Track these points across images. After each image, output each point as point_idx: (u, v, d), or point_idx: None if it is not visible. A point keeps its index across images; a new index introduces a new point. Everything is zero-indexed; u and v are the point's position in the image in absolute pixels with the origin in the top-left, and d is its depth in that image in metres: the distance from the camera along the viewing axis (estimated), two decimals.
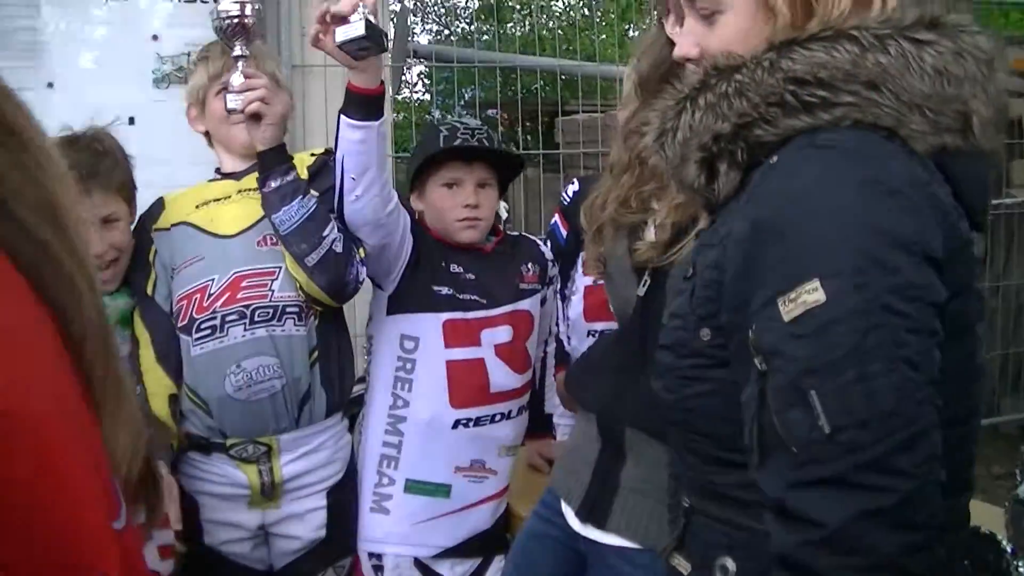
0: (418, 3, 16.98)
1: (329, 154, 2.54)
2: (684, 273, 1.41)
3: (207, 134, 2.61)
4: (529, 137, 9.06)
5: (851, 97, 1.21)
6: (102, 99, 3.64)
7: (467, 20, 17.84)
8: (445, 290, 2.61)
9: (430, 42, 15.82)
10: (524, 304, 2.70)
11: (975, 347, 1.27)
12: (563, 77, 6.24)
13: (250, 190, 2.50)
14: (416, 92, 13.84)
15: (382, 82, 2.38)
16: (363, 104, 2.32)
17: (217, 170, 2.63)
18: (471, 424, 2.62)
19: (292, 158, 2.46)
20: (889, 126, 1.21)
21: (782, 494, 1.13)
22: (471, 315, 2.62)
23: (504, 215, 2.90)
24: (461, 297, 2.62)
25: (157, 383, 2.43)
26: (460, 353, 2.60)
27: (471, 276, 2.65)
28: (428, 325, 2.60)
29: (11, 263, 0.79)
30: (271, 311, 2.43)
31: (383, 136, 2.39)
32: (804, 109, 1.22)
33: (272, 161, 2.40)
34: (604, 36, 13.71)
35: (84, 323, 0.83)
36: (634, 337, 2.00)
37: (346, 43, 2.22)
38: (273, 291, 2.44)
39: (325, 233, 2.38)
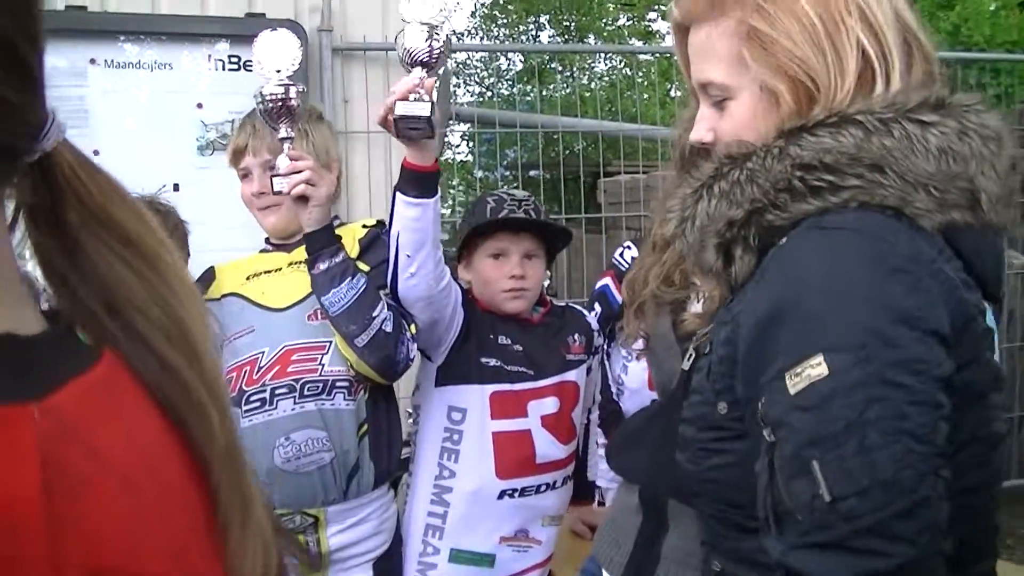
0: (461, 65, 17.22)
1: (381, 227, 2.56)
2: (703, 350, 1.46)
3: None
4: (572, 198, 9.10)
5: (856, 180, 1.25)
6: (147, 166, 3.73)
7: (509, 82, 18.10)
8: (493, 361, 2.63)
9: (472, 104, 16.03)
10: (570, 375, 2.71)
11: (991, 415, 1.28)
12: (605, 138, 6.27)
13: (300, 263, 2.51)
14: (459, 153, 14.00)
15: (437, 159, 2.39)
16: (418, 182, 2.33)
17: (267, 240, 2.65)
18: (516, 495, 2.61)
19: (340, 238, 2.46)
20: (895, 205, 1.25)
21: (785, 556, 1.17)
22: (518, 387, 2.62)
23: (546, 282, 2.91)
24: (509, 369, 2.63)
25: None
26: (506, 425, 2.61)
27: (518, 348, 2.67)
28: (475, 397, 2.61)
29: (136, 381, 0.74)
30: (321, 385, 2.42)
31: (438, 213, 2.40)
32: (812, 193, 1.27)
33: (320, 243, 2.41)
34: (646, 96, 13.84)
35: (213, 448, 0.78)
36: (678, 409, 2.00)
37: (405, 118, 2.25)
38: (323, 365, 2.44)
39: (375, 313, 2.38)
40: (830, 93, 1.33)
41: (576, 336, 2.75)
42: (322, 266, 2.39)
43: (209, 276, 2.63)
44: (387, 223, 2.47)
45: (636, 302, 2.14)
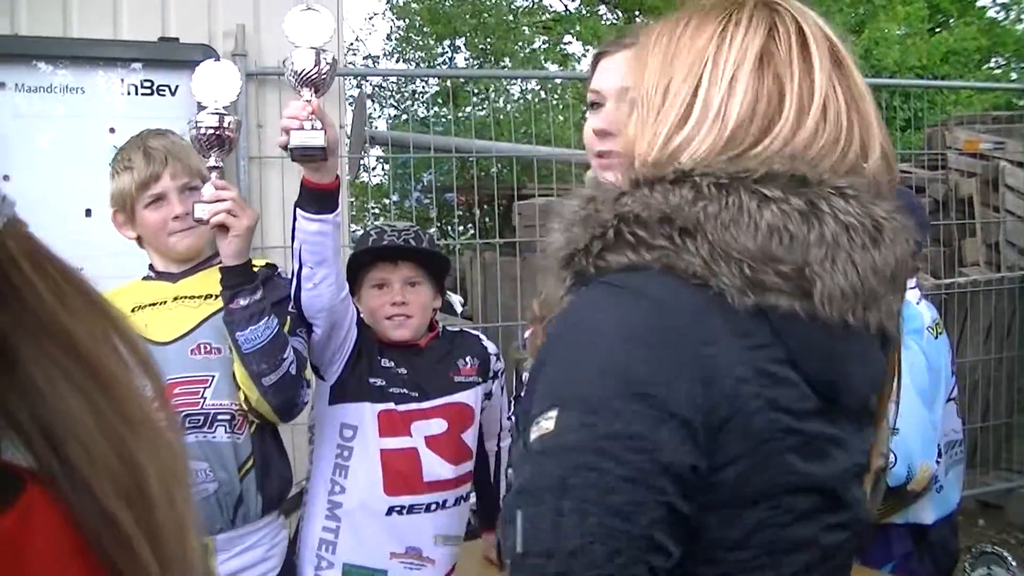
0: (376, 88, 17.27)
1: (271, 267, 2.63)
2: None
3: (138, 238, 2.65)
4: (487, 221, 9.18)
5: (665, 241, 1.20)
6: (59, 191, 3.75)
7: (425, 104, 18.17)
8: (379, 382, 2.71)
9: (389, 125, 16.06)
10: (460, 397, 2.79)
11: (791, 519, 1.20)
12: (520, 161, 6.38)
13: (185, 298, 2.55)
14: (375, 176, 14.02)
15: (337, 176, 2.46)
16: (317, 199, 2.41)
17: (151, 267, 2.66)
18: (405, 511, 2.69)
19: (258, 275, 2.48)
20: (699, 275, 1.19)
21: None
22: (401, 407, 2.71)
23: (459, 308, 3.00)
24: (392, 390, 2.71)
25: None
26: (394, 442, 2.69)
27: (403, 371, 2.75)
28: (365, 414, 2.69)
29: (67, 525, 0.63)
30: (202, 418, 2.46)
31: (338, 228, 2.47)
32: (626, 247, 1.22)
33: (239, 278, 2.42)
34: (562, 119, 13.97)
35: None
36: None
37: (299, 148, 2.34)
38: (205, 399, 2.47)
39: (284, 355, 2.42)
40: (641, 143, 1.32)
41: (468, 359, 2.83)
42: (242, 302, 2.40)
43: None
44: (294, 302, 2.53)
45: (549, 316, 2.20)
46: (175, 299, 2.55)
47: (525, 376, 2.68)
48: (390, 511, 2.67)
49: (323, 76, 2.39)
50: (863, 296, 1.20)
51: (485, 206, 7.34)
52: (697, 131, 1.28)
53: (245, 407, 2.48)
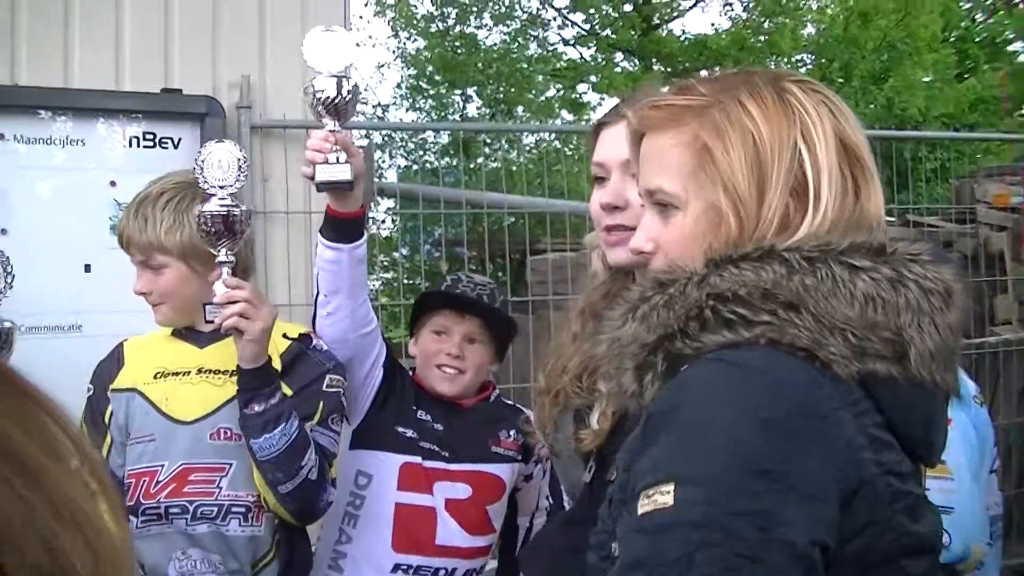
0: (386, 137, 17.36)
1: (304, 340, 2.58)
2: (610, 476, 1.49)
3: None
4: (500, 275, 9.18)
5: (768, 316, 1.27)
6: (58, 245, 3.76)
7: (436, 155, 18.26)
8: (409, 432, 2.70)
9: (399, 176, 16.12)
10: (493, 468, 2.77)
11: None
12: (533, 214, 6.39)
13: (210, 372, 2.52)
14: (384, 229, 14.06)
15: (363, 206, 2.50)
16: (338, 227, 2.46)
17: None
18: (411, 572, 2.66)
19: (278, 376, 2.44)
20: (806, 347, 1.26)
21: None
22: (428, 463, 2.69)
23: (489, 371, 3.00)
24: (422, 444, 2.70)
25: None
26: (411, 498, 2.67)
27: (438, 427, 2.74)
28: (385, 464, 2.69)
29: None
30: (216, 510, 2.44)
31: (357, 260, 2.50)
32: (725, 325, 1.28)
33: (255, 382, 2.38)
34: (576, 170, 13.99)
35: None
36: (582, 522, 2.07)
37: (326, 183, 2.38)
38: (221, 488, 2.45)
39: (303, 462, 2.38)
40: (752, 223, 1.38)
41: (511, 432, 2.81)
42: (257, 408, 2.36)
43: (117, 357, 2.64)
44: (311, 326, 2.55)
45: (553, 390, 2.18)
46: (199, 371, 2.53)
47: (542, 452, 2.70)
48: (395, 568, 2.65)
49: (346, 103, 2.42)
50: (946, 357, 1.30)
51: (498, 260, 7.35)
52: (800, 221, 1.37)
53: (264, 503, 2.45)
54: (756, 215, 1.38)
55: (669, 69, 19.93)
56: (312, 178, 2.38)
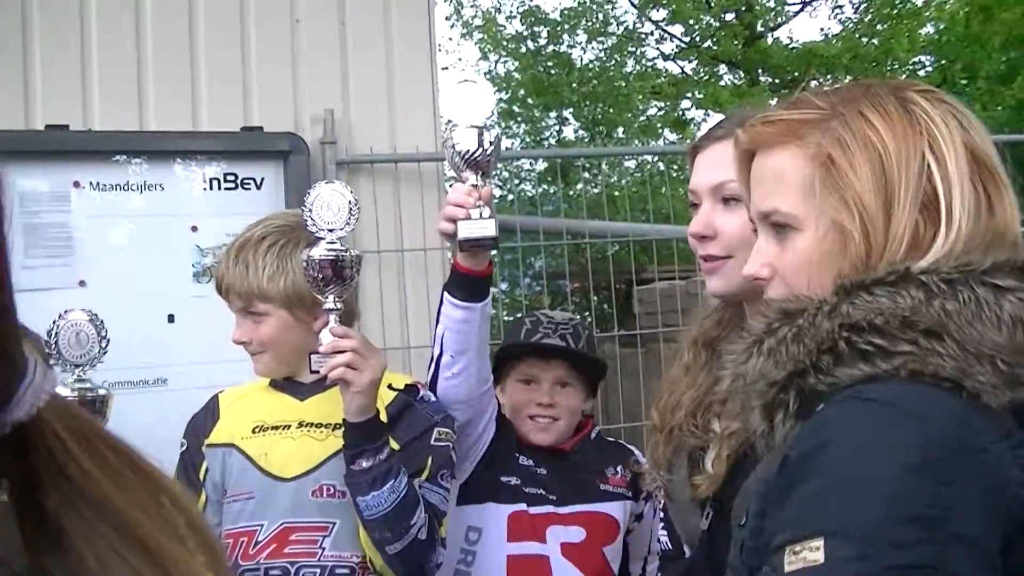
0: None
1: (411, 391, 2.58)
2: (738, 521, 1.47)
3: None
4: (606, 307, 9.13)
5: (909, 346, 1.25)
6: (139, 296, 3.77)
7: (532, 182, 18.31)
8: (513, 480, 2.75)
9: (494, 208, 16.19)
10: (605, 507, 2.80)
11: None
12: (638, 241, 6.32)
13: (312, 425, 2.52)
14: None
15: (491, 263, 2.51)
16: (468, 285, 2.46)
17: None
18: None
19: (386, 429, 2.43)
20: (952, 378, 1.23)
21: None
22: (535, 510, 2.72)
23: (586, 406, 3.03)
24: (527, 490, 2.75)
25: None
26: (523, 548, 2.70)
27: (542, 471, 2.78)
28: (492, 516, 2.72)
29: None
30: (318, 571, 2.43)
31: (486, 317, 2.53)
32: (861, 357, 1.27)
33: (362, 437, 2.37)
34: (683, 192, 13.89)
35: None
36: (704, 572, 2.08)
37: (470, 240, 2.37)
38: (324, 548, 2.45)
39: (412, 521, 2.37)
40: (880, 244, 1.37)
41: (618, 469, 2.85)
42: (364, 464, 2.35)
43: (213, 410, 2.66)
44: (429, 387, 2.55)
45: (667, 427, 2.18)
46: (300, 425, 2.54)
47: (652, 488, 2.63)
48: None
49: (488, 157, 2.42)
50: None
51: (602, 291, 7.27)
52: (932, 240, 1.35)
53: (370, 564, 2.44)
54: (884, 235, 1.37)
55: (776, 80, 19.71)
56: (451, 235, 2.39)
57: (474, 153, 2.39)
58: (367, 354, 2.37)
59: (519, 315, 3.31)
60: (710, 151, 2.08)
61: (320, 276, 2.36)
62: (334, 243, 2.37)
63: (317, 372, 2.38)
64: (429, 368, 2.58)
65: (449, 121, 2.47)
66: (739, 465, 1.93)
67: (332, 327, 2.38)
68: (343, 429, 2.39)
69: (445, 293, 2.50)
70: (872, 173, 1.39)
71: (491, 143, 2.41)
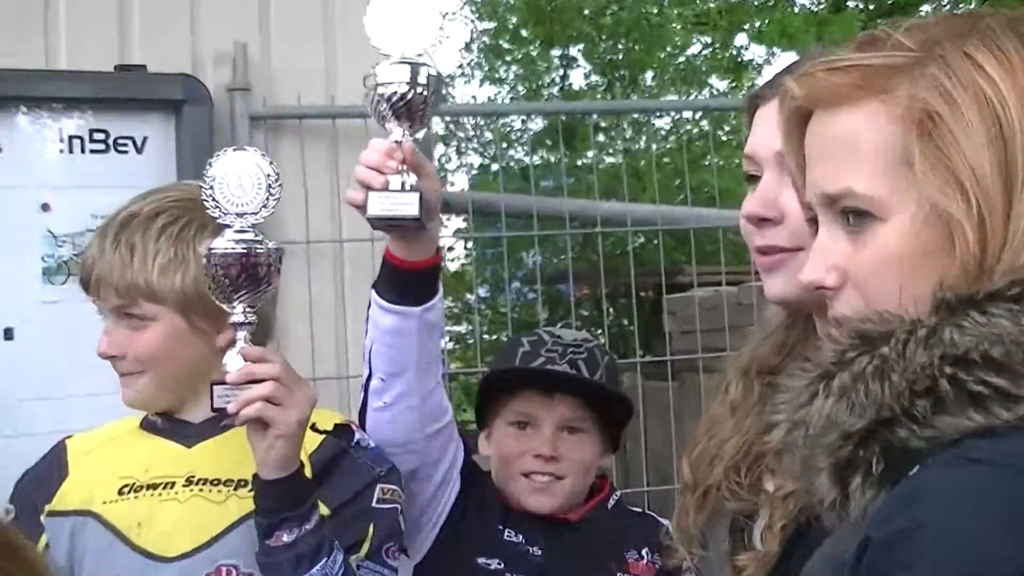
0: (451, 125, 17.46)
1: (343, 434, 2.58)
2: None
3: None
4: (625, 322, 9.11)
5: None
6: None
7: (525, 147, 18.28)
8: (495, 564, 2.73)
9: (471, 181, 16.18)
10: None
11: None
12: (671, 232, 6.33)
13: (206, 482, 2.51)
14: (453, 260, 14.05)
15: (438, 251, 2.53)
16: (403, 282, 2.47)
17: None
18: None
19: (314, 488, 2.43)
20: None
21: None
22: None
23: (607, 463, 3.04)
24: None
25: None
26: None
27: (536, 551, 2.76)
28: None
29: None
30: None
31: (430, 326, 2.52)
32: (972, 403, 1.26)
33: (283, 500, 2.37)
34: (735, 163, 13.79)
35: None
36: None
37: (381, 219, 2.38)
38: None
39: None
40: (998, 240, 1.36)
41: (643, 553, 2.82)
42: (286, 537, 2.35)
43: (58, 462, 2.63)
44: (359, 421, 2.57)
45: (702, 486, 2.19)
46: (189, 482, 2.52)
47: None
48: None
49: (424, 102, 2.42)
50: None
51: (620, 301, 7.28)
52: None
53: None
54: (1004, 227, 1.36)
55: (872, 6, 19.74)
56: (362, 208, 2.38)
57: (404, 96, 2.38)
58: (292, 385, 2.35)
59: (516, 333, 3.31)
60: (776, 105, 2.08)
61: (225, 277, 2.34)
62: (245, 231, 2.36)
63: (222, 410, 2.35)
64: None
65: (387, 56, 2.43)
66: (797, 540, 1.92)
67: (243, 348, 2.37)
68: (254, 488, 2.38)
69: (373, 292, 2.52)
70: (988, 139, 1.37)
71: (427, 83, 2.40)
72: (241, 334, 2.38)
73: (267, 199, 2.38)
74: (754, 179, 2.08)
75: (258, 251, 2.35)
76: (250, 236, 2.36)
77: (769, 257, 2.03)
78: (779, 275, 2.01)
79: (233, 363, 2.35)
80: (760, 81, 20.70)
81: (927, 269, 1.39)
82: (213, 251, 2.34)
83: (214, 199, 2.37)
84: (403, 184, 2.35)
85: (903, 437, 1.29)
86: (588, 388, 2.81)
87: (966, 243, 1.36)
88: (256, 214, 2.38)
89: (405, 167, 2.36)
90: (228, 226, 2.37)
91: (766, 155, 2.03)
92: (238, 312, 2.37)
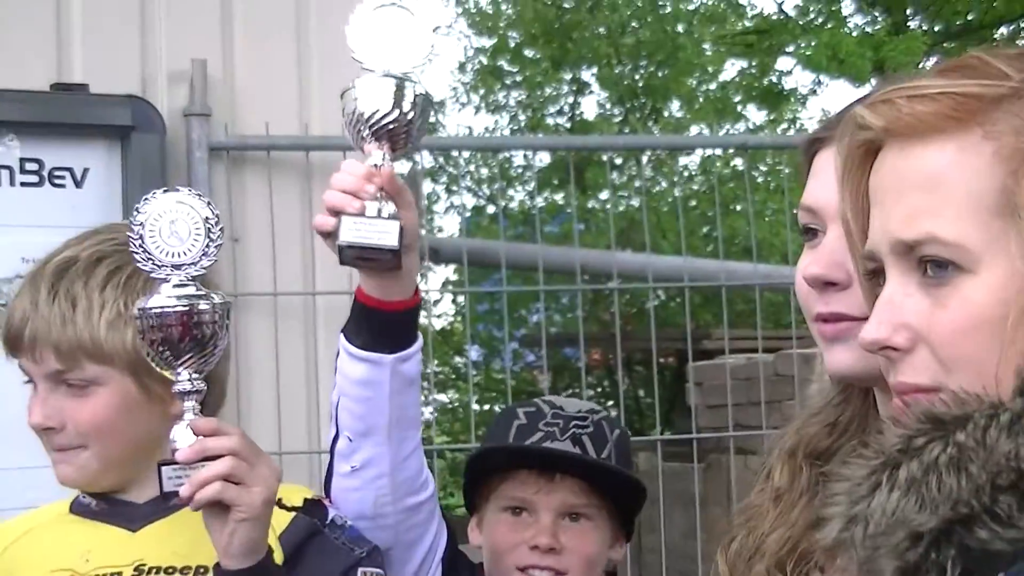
0: (441, 160, 17.47)
1: (315, 510, 2.58)
2: None
3: None
4: (642, 393, 9.10)
5: None
6: None
7: (527, 188, 18.24)
8: None
9: (464, 226, 16.20)
10: None
11: None
12: (699, 289, 6.35)
13: (159, 571, 2.49)
14: (440, 317, 14.01)
15: (417, 291, 2.53)
16: (373, 324, 2.48)
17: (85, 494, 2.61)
18: None
19: (280, 570, 2.42)
20: None
21: None
22: None
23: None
24: None
25: None
26: None
27: None
28: None
29: None
30: None
31: (406, 381, 2.52)
32: None
33: None
34: (773, 208, 13.71)
35: None
36: None
37: (354, 248, 2.37)
38: None
39: None
40: None
41: None
42: None
43: None
44: (323, 490, 2.57)
45: None
46: (138, 571, 2.50)
47: None
48: None
49: (407, 125, 2.43)
50: None
51: (637, 369, 7.32)
52: None
53: None
54: None
55: (939, 27, 19.78)
56: (332, 236, 2.39)
57: (387, 115, 2.40)
58: (254, 459, 2.33)
59: (510, 404, 3.29)
60: None
61: (164, 340, 2.31)
62: (184, 285, 2.33)
63: (174, 493, 2.32)
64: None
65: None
66: None
67: (193, 421, 2.34)
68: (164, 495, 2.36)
69: (341, 337, 2.52)
70: None
71: (414, 102, 2.41)
72: (189, 404, 2.35)
73: (207, 246, 2.35)
74: (812, 233, 2.07)
75: (201, 308, 2.32)
76: (191, 290, 2.32)
77: (833, 326, 2.00)
78: (845, 348, 1.97)
79: (183, 438, 2.32)
80: (804, 113, 20.84)
81: (1020, 338, 1.38)
82: (147, 311, 2.30)
83: (145, 249, 2.33)
84: (380, 212, 2.36)
85: (984, 538, 1.29)
86: (593, 469, 2.81)
87: None
88: (195, 264, 2.34)
89: (383, 194, 2.37)
90: (164, 280, 2.32)
91: (831, 209, 1.97)
92: (183, 379, 2.34)
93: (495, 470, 2.83)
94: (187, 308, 2.30)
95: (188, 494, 2.27)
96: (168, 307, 2.29)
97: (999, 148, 1.42)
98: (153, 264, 2.32)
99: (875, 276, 1.55)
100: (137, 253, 2.32)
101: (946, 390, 1.41)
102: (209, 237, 2.34)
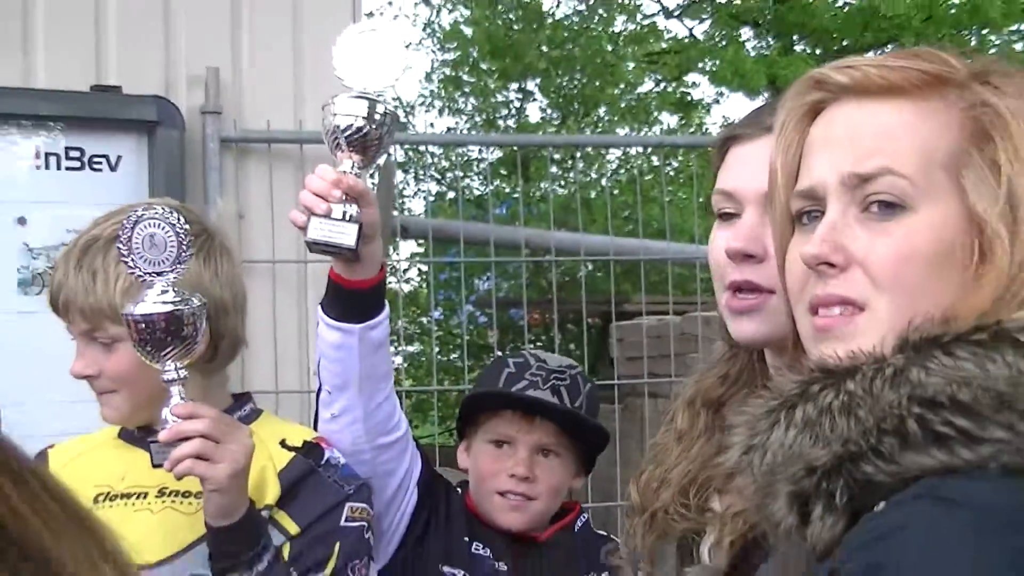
0: (410, 152, 17.38)
1: (313, 452, 2.57)
2: None
3: None
4: (573, 347, 9.11)
5: (1003, 432, 1.24)
6: None
7: (481, 175, 18.21)
8: (460, 575, 2.75)
9: (428, 208, 16.11)
10: None
11: None
12: (621, 262, 6.33)
13: (178, 494, 2.49)
14: (409, 282, 13.96)
15: (383, 269, 2.54)
16: (345, 300, 2.49)
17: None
18: None
19: (264, 527, 2.41)
20: None
21: None
22: None
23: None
24: None
25: None
26: None
27: (502, 566, 2.79)
28: None
29: None
30: None
31: (374, 345, 2.53)
32: (935, 442, 1.26)
33: (232, 545, 2.34)
34: (683, 196, 13.75)
35: None
36: None
37: (318, 244, 2.40)
38: None
39: None
40: (1008, 271, 1.36)
41: (603, 574, 2.80)
42: None
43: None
44: (315, 422, 2.60)
45: (649, 509, 2.19)
46: (161, 492, 2.51)
47: None
48: None
49: (377, 139, 2.44)
50: None
51: (569, 327, 7.29)
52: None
53: None
54: (1020, 261, 1.37)
55: (819, 49, 19.76)
56: (303, 229, 2.41)
57: (360, 130, 2.40)
58: (225, 438, 2.31)
59: (502, 353, 3.28)
60: (758, 144, 1.97)
61: (150, 339, 2.30)
62: (166, 291, 2.31)
63: (160, 466, 2.35)
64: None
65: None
66: (745, 555, 1.92)
67: (174, 406, 2.33)
68: (206, 533, 2.36)
69: (319, 309, 2.56)
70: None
71: (382, 119, 2.42)
72: (175, 389, 2.34)
73: (180, 255, 2.31)
74: (728, 217, 2.04)
75: (180, 311, 2.30)
76: (171, 296, 2.31)
77: (745, 298, 1.98)
78: (755, 317, 1.97)
79: (166, 415, 2.33)
80: (709, 119, 20.86)
81: (943, 276, 1.38)
82: (132, 316, 2.29)
83: (131, 259, 2.30)
84: (344, 214, 2.37)
85: (869, 472, 1.29)
86: (567, 416, 2.83)
87: (1003, 258, 1.36)
88: (172, 271, 2.31)
89: (348, 198, 2.38)
90: (150, 285, 2.30)
91: (752, 195, 1.98)
92: (169, 370, 2.34)
93: (485, 409, 2.88)
94: (168, 312, 2.29)
95: (168, 469, 2.30)
96: (152, 312, 2.29)
97: (952, 117, 1.44)
98: (139, 272, 2.31)
99: (799, 218, 1.53)
100: (125, 260, 2.31)
101: (870, 309, 1.41)
102: (181, 247, 2.31)
